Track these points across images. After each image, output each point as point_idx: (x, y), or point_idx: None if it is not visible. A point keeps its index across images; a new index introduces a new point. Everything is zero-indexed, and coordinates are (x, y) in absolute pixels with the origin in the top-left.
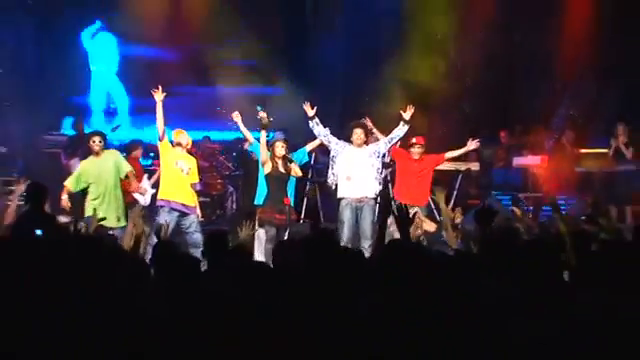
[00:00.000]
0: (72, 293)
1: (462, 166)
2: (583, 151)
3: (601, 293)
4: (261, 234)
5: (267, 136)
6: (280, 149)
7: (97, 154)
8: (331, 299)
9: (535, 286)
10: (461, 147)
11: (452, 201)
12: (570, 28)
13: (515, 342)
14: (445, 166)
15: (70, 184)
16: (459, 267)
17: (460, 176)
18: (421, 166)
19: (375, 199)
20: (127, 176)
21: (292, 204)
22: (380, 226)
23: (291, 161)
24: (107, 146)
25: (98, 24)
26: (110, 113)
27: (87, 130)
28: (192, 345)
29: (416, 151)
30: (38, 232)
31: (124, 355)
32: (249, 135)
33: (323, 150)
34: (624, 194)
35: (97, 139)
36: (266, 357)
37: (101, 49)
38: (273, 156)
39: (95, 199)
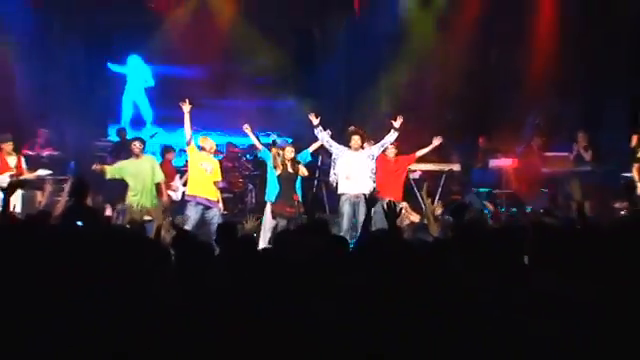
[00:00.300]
0: (101, 273)
1: (445, 167)
2: (548, 154)
3: (552, 275)
4: (267, 225)
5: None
6: (289, 153)
7: (137, 156)
8: (319, 279)
9: (498, 268)
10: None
11: (437, 197)
12: (538, 51)
13: (481, 318)
14: (431, 167)
15: (108, 169)
16: (435, 251)
17: (444, 176)
18: (396, 165)
19: (370, 196)
20: (159, 183)
21: (300, 199)
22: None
23: (299, 163)
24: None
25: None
26: (135, 122)
27: (129, 137)
28: (200, 323)
29: (391, 152)
30: (79, 223)
31: (142, 332)
32: (258, 143)
33: (327, 153)
34: (583, 191)
35: (138, 144)
36: (258, 330)
37: (134, 70)
38: (283, 159)
39: (134, 195)
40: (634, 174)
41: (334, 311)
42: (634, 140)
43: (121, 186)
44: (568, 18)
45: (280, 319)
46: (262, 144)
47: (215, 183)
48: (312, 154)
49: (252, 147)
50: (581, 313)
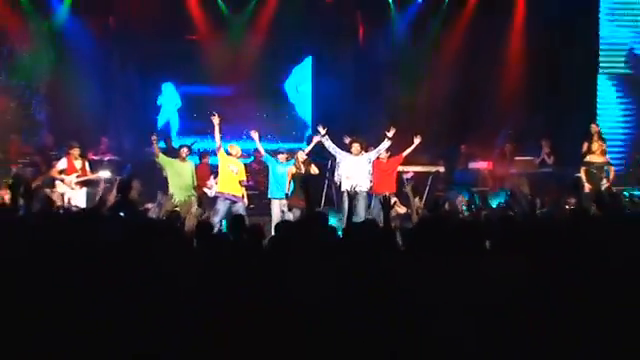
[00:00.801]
0: (135, 253)
1: (432, 169)
2: (518, 158)
3: (509, 257)
4: (274, 218)
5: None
6: (301, 156)
7: (183, 159)
8: (308, 261)
9: (460, 251)
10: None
11: (425, 193)
12: (509, 74)
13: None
14: (420, 169)
15: (160, 154)
16: (412, 238)
17: (431, 176)
18: (388, 165)
19: (367, 191)
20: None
21: None
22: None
23: (310, 163)
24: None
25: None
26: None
27: (175, 144)
28: (212, 299)
29: (383, 156)
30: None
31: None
32: (261, 149)
33: (333, 157)
34: (545, 188)
35: (185, 150)
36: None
37: (167, 95)
38: (297, 162)
39: (175, 189)
40: (582, 174)
41: (321, 289)
42: (584, 147)
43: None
44: (535, 48)
45: (277, 297)
46: (265, 150)
47: (240, 182)
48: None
49: (256, 151)
50: (529, 286)
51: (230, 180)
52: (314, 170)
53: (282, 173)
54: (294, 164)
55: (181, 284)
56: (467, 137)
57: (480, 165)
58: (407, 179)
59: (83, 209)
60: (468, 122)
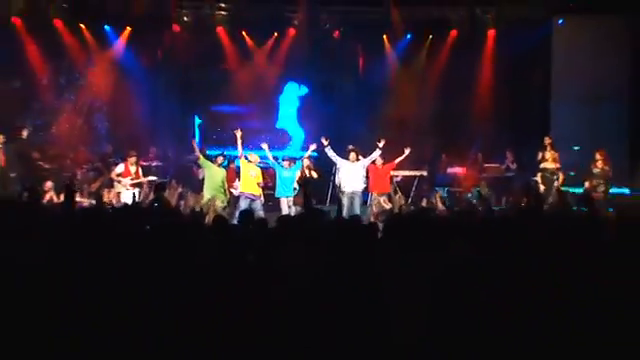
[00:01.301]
0: (164, 240)
1: (418, 173)
2: (487, 165)
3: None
4: (283, 211)
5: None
6: (306, 162)
7: (218, 165)
8: (299, 245)
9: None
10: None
11: (412, 193)
12: (480, 97)
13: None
14: (408, 173)
15: (201, 156)
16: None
17: (417, 179)
18: (382, 170)
19: (362, 191)
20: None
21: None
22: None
23: (311, 169)
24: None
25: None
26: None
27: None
28: (224, 275)
29: (379, 161)
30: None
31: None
32: (271, 157)
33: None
34: (508, 190)
35: (221, 158)
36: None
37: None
38: (302, 167)
39: (208, 189)
40: (538, 178)
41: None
42: (539, 156)
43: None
44: (501, 76)
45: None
46: (274, 158)
47: (258, 184)
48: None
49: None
50: (480, 268)
51: (250, 182)
52: (314, 175)
53: (287, 176)
54: (300, 169)
55: (199, 262)
56: (447, 148)
57: (457, 170)
58: (398, 182)
59: (126, 205)
60: (447, 136)
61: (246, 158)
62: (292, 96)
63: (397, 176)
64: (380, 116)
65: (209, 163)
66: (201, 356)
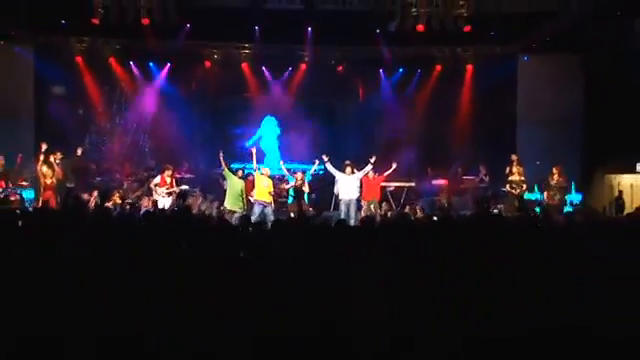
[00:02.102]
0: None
1: (407, 184)
2: (465, 178)
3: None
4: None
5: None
6: (300, 175)
7: (239, 177)
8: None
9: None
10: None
11: (402, 201)
12: (460, 121)
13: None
14: (399, 184)
15: (226, 168)
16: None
17: (406, 189)
18: (374, 181)
19: (358, 200)
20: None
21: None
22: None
23: (304, 183)
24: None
25: None
26: None
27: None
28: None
29: (371, 174)
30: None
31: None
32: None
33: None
34: (481, 198)
35: (240, 172)
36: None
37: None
38: (296, 180)
39: (229, 197)
40: (507, 189)
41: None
42: (507, 170)
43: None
44: (478, 104)
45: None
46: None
47: (270, 192)
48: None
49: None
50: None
51: (262, 191)
52: (306, 188)
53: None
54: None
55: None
56: (432, 163)
57: (439, 182)
58: (390, 191)
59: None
60: (432, 152)
61: (260, 172)
62: (270, 128)
63: (390, 186)
64: (376, 136)
65: (231, 175)
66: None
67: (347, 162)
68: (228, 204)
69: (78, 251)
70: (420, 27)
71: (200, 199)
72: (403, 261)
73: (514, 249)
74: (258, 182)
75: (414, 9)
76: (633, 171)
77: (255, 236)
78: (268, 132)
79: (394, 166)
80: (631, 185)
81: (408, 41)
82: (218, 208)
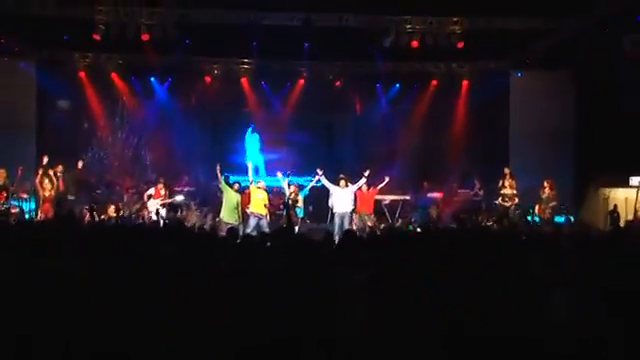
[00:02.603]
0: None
1: (402, 197)
2: (460, 191)
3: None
4: None
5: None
6: (293, 188)
7: (236, 191)
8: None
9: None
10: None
11: (397, 213)
12: (456, 135)
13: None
14: (394, 197)
15: (223, 181)
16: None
17: (401, 202)
18: (368, 194)
19: (351, 212)
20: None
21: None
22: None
23: (297, 195)
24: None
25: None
26: None
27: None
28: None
29: (364, 187)
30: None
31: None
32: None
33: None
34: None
35: (237, 185)
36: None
37: None
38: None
39: (226, 210)
40: (499, 202)
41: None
42: (499, 183)
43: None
44: (473, 118)
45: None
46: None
47: (265, 205)
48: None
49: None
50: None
51: (257, 204)
52: (300, 202)
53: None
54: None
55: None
56: (428, 176)
57: (435, 195)
58: (386, 204)
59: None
60: (429, 167)
61: (254, 184)
62: (254, 140)
63: (385, 200)
64: (372, 150)
65: (228, 188)
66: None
67: (341, 175)
68: (224, 216)
69: (63, 265)
70: (414, 43)
71: (194, 211)
72: (382, 273)
73: (479, 261)
74: (253, 195)
75: (409, 26)
76: (627, 185)
77: (238, 249)
78: (251, 146)
79: (387, 180)
80: (625, 199)
81: (405, 57)
82: (213, 220)
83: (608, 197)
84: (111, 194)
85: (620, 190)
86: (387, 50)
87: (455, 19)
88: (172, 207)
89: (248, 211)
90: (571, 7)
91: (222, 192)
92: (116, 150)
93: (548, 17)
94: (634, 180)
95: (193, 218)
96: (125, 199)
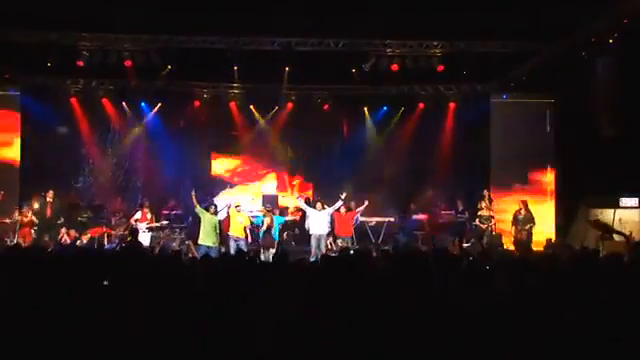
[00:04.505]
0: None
1: (386, 219)
2: (444, 212)
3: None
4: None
5: None
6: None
7: (211, 214)
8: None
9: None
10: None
11: (382, 234)
12: (441, 157)
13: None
14: (379, 219)
15: (198, 206)
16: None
17: (385, 223)
18: (346, 217)
19: (328, 234)
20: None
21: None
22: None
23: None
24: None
25: None
26: None
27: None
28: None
29: (342, 209)
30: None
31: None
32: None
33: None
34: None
35: (213, 208)
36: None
37: None
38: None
39: (203, 233)
40: (477, 223)
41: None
42: (478, 205)
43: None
44: (458, 141)
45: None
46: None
47: (245, 227)
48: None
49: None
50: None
51: (236, 227)
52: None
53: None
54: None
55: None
56: (414, 198)
57: (420, 217)
58: (370, 226)
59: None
60: (415, 188)
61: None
62: None
63: (370, 221)
64: (359, 172)
65: (204, 211)
66: None
67: (318, 198)
68: (201, 239)
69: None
70: (394, 67)
71: (169, 235)
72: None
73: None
74: (233, 218)
75: (389, 49)
76: (617, 206)
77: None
78: None
79: (366, 203)
80: (620, 220)
81: (391, 80)
82: (182, 243)
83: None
84: (98, 218)
85: (610, 211)
86: (372, 73)
87: (435, 42)
88: (132, 232)
89: (229, 234)
90: (548, 31)
91: (199, 216)
92: (107, 174)
93: (526, 41)
94: (627, 201)
95: (173, 241)
96: (113, 222)
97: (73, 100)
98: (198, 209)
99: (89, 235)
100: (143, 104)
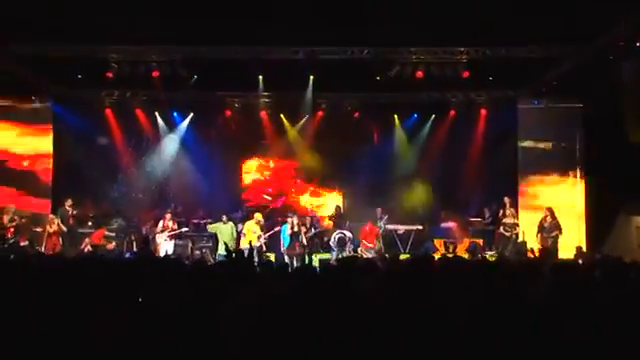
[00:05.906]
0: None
1: (414, 227)
2: (472, 220)
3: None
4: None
5: None
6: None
7: (224, 223)
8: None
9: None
10: None
11: (410, 242)
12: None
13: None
14: (407, 227)
15: (209, 227)
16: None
17: (414, 232)
18: (369, 229)
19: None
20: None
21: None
22: None
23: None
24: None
25: None
26: None
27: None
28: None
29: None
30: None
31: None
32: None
33: None
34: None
35: (225, 217)
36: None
37: None
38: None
39: (222, 243)
40: (501, 231)
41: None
42: (501, 212)
43: None
44: (490, 147)
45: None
46: None
47: (259, 237)
48: None
49: None
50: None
51: (252, 237)
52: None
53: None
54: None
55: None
56: (445, 205)
57: (449, 224)
58: (399, 234)
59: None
60: (446, 198)
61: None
62: None
63: (399, 229)
64: (389, 179)
65: (216, 225)
66: None
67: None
68: (220, 250)
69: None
70: (419, 74)
71: (190, 244)
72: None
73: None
74: (249, 231)
75: (414, 56)
76: None
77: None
78: None
79: (379, 211)
80: None
81: (420, 87)
82: (201, 252)
83: None
84: (128, 228)
85: None
86: (399, 80)
87: (461, 49)
88: (144, 240)
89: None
90: (572, 35)
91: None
92: (140, 184)
93: (551, 46)
94: None
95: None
96: (144, 231)
97: (108, 111)
98: (210, 227)
99: (114, 243)
100: (175, 114)
